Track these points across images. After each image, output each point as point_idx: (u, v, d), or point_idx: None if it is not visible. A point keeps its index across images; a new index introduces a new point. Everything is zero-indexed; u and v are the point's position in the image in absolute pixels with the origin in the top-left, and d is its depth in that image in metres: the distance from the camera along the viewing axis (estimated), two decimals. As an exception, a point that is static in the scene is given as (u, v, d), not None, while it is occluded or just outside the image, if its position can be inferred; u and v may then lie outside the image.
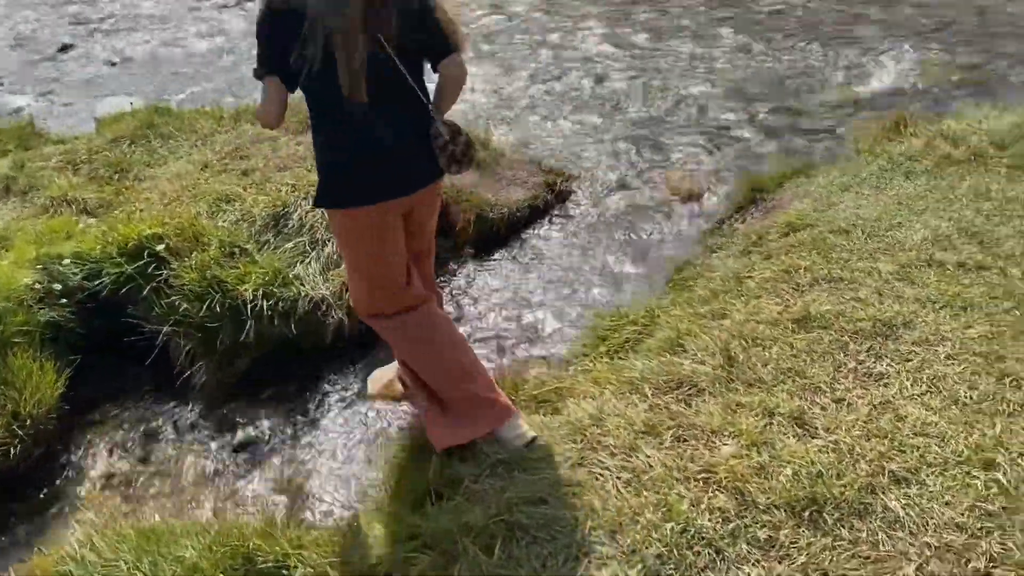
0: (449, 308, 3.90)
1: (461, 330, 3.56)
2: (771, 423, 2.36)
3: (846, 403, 2.40)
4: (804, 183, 3.85)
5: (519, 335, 3.64)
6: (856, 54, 5.90)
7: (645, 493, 2.22)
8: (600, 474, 2.31)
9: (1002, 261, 2.79)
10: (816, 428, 2.32)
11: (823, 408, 2.40)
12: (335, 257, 3.87)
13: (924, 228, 3.03)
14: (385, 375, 3.43)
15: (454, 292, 3.98)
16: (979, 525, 2.01)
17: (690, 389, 2.55)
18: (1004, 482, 2.09)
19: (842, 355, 2.55)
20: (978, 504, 2.05)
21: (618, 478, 2.28)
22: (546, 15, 7.74)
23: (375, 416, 3.27)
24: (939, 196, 3.24)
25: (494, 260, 4.21)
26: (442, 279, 4.06)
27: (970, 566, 1.93)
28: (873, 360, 2.52)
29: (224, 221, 4.04)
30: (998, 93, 4.89)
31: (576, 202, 4.61)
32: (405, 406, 3.31)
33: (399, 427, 3.13)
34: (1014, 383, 2.35)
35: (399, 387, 3.34)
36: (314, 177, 3.63)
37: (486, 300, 3.91)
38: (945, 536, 2.00)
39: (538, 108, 5.78)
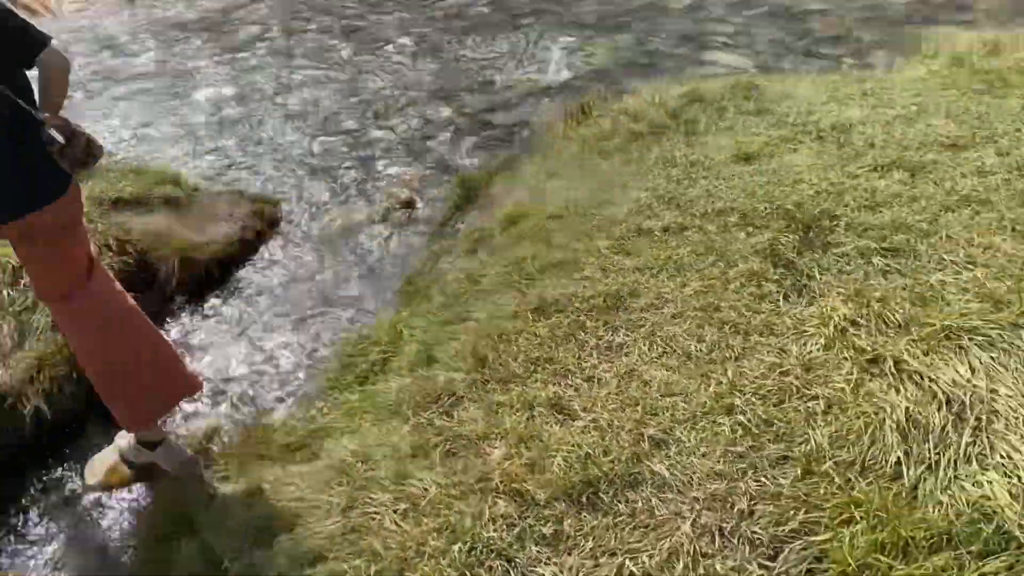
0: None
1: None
2: (533, 415, 2.36)
3: (596, 379, 2.46)
4: (513, 175, 3.94)
5: (255, 381, 3.36)
6: (529, 46, 6.19)
7: (425, 520, 2.11)
8: (375, 513, 2.17)
9: (699, 220, 3.03)
10: (575, 410, 2.35)
11: (576, 389, 2.44)
12: (12, 336, 3.33)
13: (628, 201, 3.22)
14: (106, 459, 3.00)
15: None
16: (734, 468, 2.14)
17: (449, 399, 2.48)
18: (746, 422, 2.24)
19: (582, 334, 2.62)
20: (729, 449, 2.18)
21: (395, 511, 2.15)
22: (207, 32, 7.29)
23: (101, 511, 2.84)
24: (634, 170, 3.46)
25: (211, 304, 3.86)
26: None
27: (735, 508, 2.05)
28: (611, 333, 2.61)
29: None
30: (661, 68, 5.37)
31: (290, 228, 4.37)
32: (140, 489, 2.92)
33: (136, 516, 2.74)
34: (732, 329, 2.55)
35: (125, 468, 2.94)
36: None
37: (211, 349, 3.57)
38: (709, 486, 2.10)
39: (223, 134, 5.42)
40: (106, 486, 2.93)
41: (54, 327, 3.29)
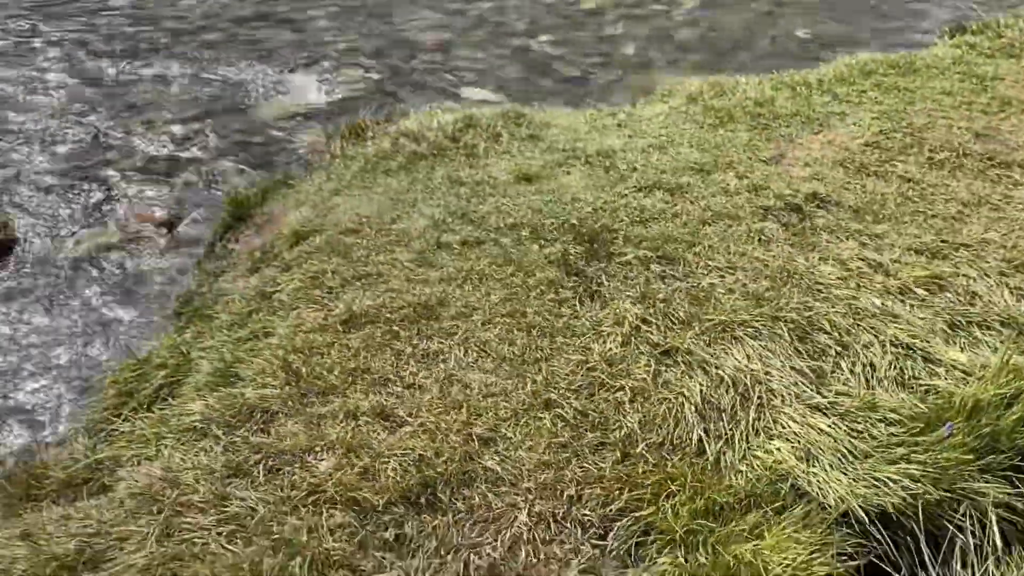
0: None
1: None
2: (359, 425, 2.31)
3: (417, 386, 2.46)
4: (289, 193, 3.83)
5: (8, 417, 2.94)
6: (276, 74, 6.04)
7: (256, 539, 1.98)
8: (196, 538, 1.99)
9: (493, 234, 3.14)
10: (401, 416, 2.34)
11: (399, 397, 2.42)
12: None
13: (421, 217, 3.26)
14: None
15: None
16: (559, 458, 2.25)
17: (263, 416, 2.35)
18: (564, 415, 2.37)
19: (397, 343, 2.61)
20: (552, 441, 2.29)
21: (219, 533, 2.00)
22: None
23: None
24: (422, 188, 3.51)
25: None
26: None
27: (565, 495, 2.16)
28: (425, 341, 2.63)
29: None
30: (416, 98, 5.50)
31: (30, 251, 3.88)
32: None
33: None
34: (539, 332, 2.67)
35: None
36: None
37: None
38: (539, 477, 2.19)
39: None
40: None
41: None
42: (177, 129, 5.10)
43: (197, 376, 2.60)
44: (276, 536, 1.98)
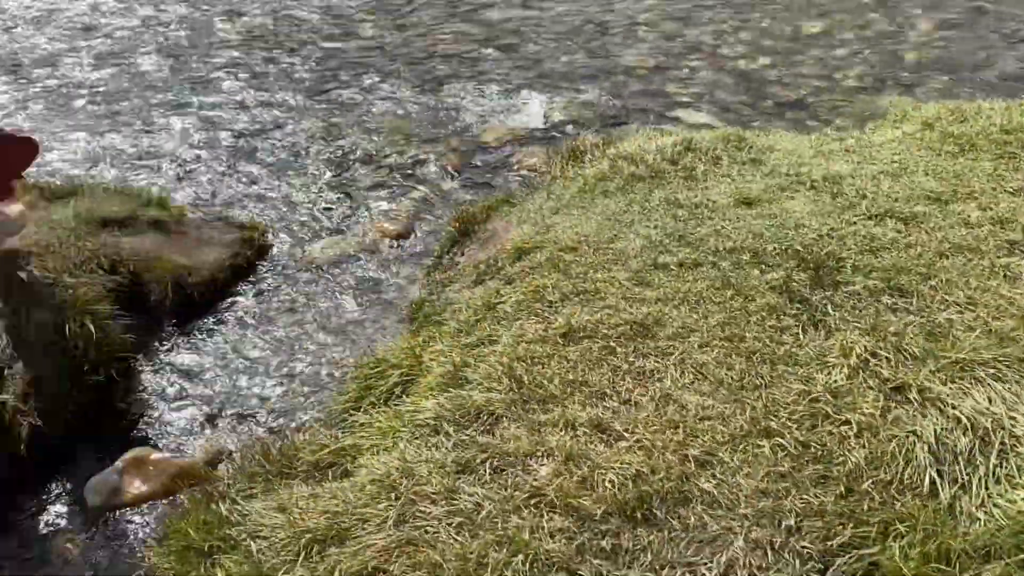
0: (169, 388, 3.43)
1: (189, 411, 3.19)
2: (576, 435, 2.39)
3: (633, 403, 2.52)
4: (511, 211, 4.02)
5: (259, 405, 3.31)
6: (501, 98, 6.34)
7: (482, 533, 2.11)
8: (428, 526, 2.16)
9: (712, 257, 3.15)
10: (617, 431, 2.40)
11: (615, 412, 2.49)
12: (7, 352, 3.19)
13: (638, 238, 3.33)
14: (108, 480, 2.89)
15: (169, 371, 3.50)
16: (778, 487, 2.22)
17: (488, 418, 2.50)
18: (784, 444, 2.33)
19: (613, 359, 2.68)
20: (771, 469, 2.27)
21: (449, 524, 2.15)
22: (168, 69, 7.21)
23: (110, 533, 2.72)
24: (639, 209, 3.58)
25: (204, 330, 3.78)
26: (150, 359, 3.56)
27: (783, 525, 2.12)
28: (641, 359, 2.68)
29: None
30: (633, 122, 5.59)
31: (280, 255, 4.34)
32: (144, 510, 2.82)
33: (150, 535, 2.64)
34: (759, 358, 2.65)
35: (131, 487, 2.84)
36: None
37: (209, 376, 3.51)
38: (756, 504, 2.18)
39: (206, 162, 5.35)
40: (111, 506, 2.82)
41: (46, 349, 3.19)
42: (410, 150, 5.48)
43: (429, 377, 2.79)
44: (500, 532, 2.11)
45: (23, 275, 3.37)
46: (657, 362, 2.68)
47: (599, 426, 2.43)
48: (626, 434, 2.40)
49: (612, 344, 2.75)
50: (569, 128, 5.58)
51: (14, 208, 3.61)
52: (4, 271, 3.39)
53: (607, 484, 2.22)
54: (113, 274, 3.71)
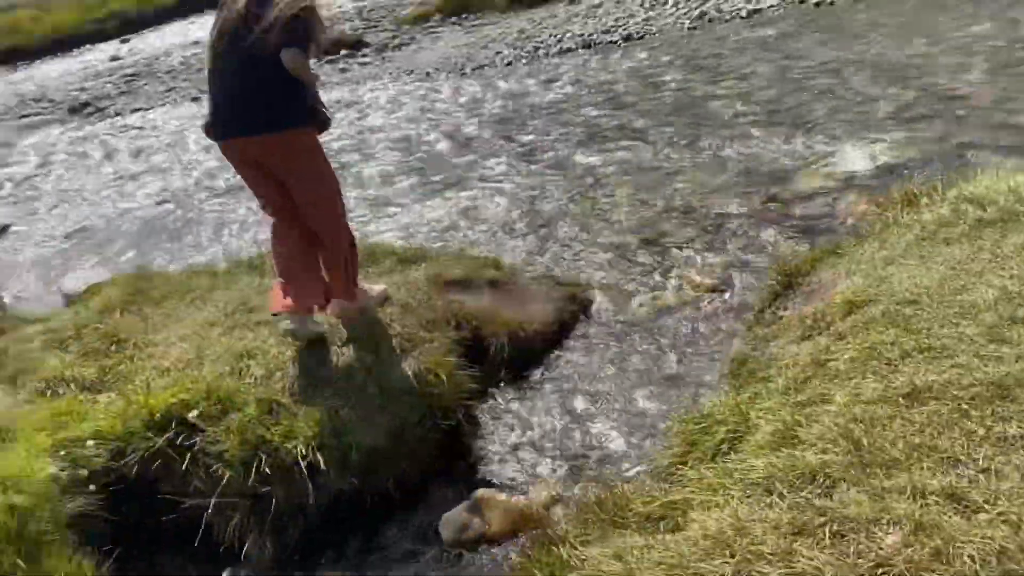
0: (508, 435, 3.75)
1: (524, 455, 3.44)
2: (926, 504, 2.23)
3: (993, 471, 2.29)
4: (839, 262, 3.86)
5: (588, 453, 3.48)
6: (818, 140, 6.11)
7: (824, 601, 2.04)
8: (767, 588, 2.13)
9: (1086, 310, 2.80)
10: (976, 502, 2.20)
11: (971, 481, 2.28)
12: (377, 399, 3.69)
13: (990, 288, 3.04)
14: (458, 517, 3.20)
15: (508, 418, 3.81)
16: None
17: (825, 480, 2.41)
18: None
19: (967, 423, 2.47)
20: None
21: (787, 588, 2.11)
22: (499, 124, 7.89)
23: (461, 566, 3.02)
24: (989, 257, 3.27)
25: (537, 381, 4.07)
26: (491, 407, 3.93)
27: None
28: (1001, 424, 2.44)
29: (251, 377, 3.83)
30: (978, 161, 5.09)
31: (601, 311, 4.55)
32: (490, 547, 3.08)
33: (496, 572, 2.88)
34: None
35: (478, 525, 3.12)
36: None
37: (541, 424, 3.76)
38: None
39: (531, 224, 5.79)
40: (460, 542, 3.12)
41: (407, 397, 3.64)
42: (722, 201, 5.49)
43: (757, 435, 2.76)
44: (844, 602, 2.02)
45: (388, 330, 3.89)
46: (1020, 427, 2.41)
47: (953, 496, 2.24)
48: (986, 506, 2.18)
49: (964, 406, 2.53)
50: (899, 171, 5.23)
51: (377, 287, 4.26)
52: (373, 330, 3.93)
53: (966, 559, 2.04)
54: (458, 329, 4.14)
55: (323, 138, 3.79)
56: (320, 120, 3.72)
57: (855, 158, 5.67)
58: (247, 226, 7.37)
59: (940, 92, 6.24)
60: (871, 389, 2.73)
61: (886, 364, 2.84)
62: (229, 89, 3.61)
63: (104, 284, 5.78)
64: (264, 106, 3.55)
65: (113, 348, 4.55)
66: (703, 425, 3.05)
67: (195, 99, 13.90)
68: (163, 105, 14.01)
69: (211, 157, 10.10)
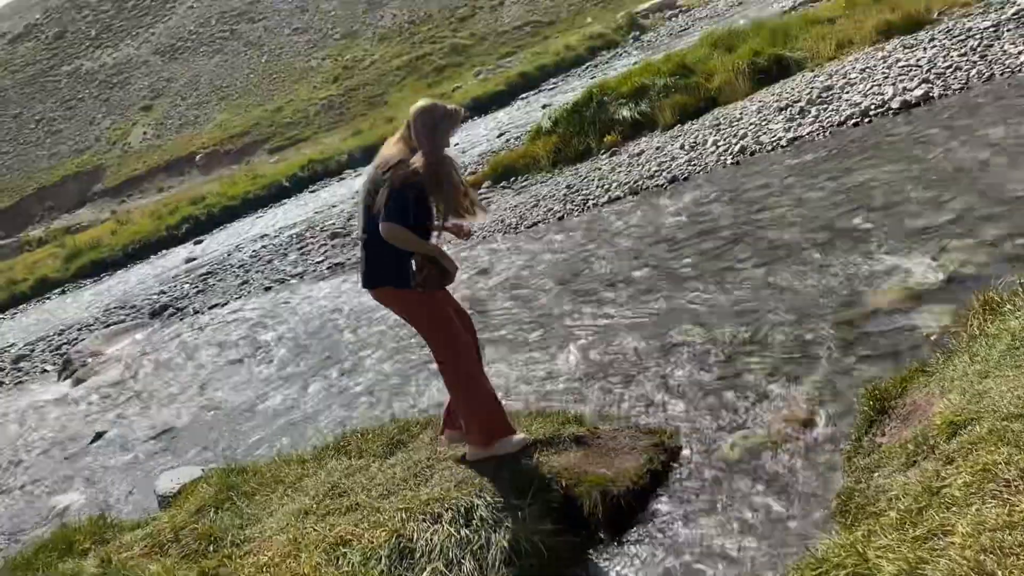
0: (614, 601, 3.61)
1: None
2: (1084, 640, 2.06)
3: None
4: (930, 381, 3.76)
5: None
6: (881, 256, 6.06)
7: None
8: None
9: None
10: None
11: None
12: (475, 574, 3.62)
13: (1099, 393, 2.92)
14: None
15: (610, 583, 3.69)
16: None
17: (967, 623, 2.26)
18: None
19: (1106, 543, 2.31)
20: None
21: None
22: (558, 276, 8.04)
23: None
24: (1091, 359, 3.16)
25: (634, 537, 3.95)
26: (590, 571, 3.80)
27: None
28: None
29: (348, 565, 3.81)
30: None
31: (692, 456, 4.45)
32: None
33: None
34: None
35: None
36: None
37: (646, 583, 3.61)
38: None
39: (606, 373, 5.80)
40: None
41: (508, 564, 3.56)
42: (795, 329, 5.43)
43: (881, 577, 2.62)
44: None
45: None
46: None
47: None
48: None
49: (1100, 525, 2.38)
50: (970, 279, 5.14)
51: (517, 437, 4.60)
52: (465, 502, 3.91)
53: None
54: (549, 492, 4.09)
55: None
56: (423, 279, 4.18)
57: (922, 270, 5.59)
58: (330, 411, 7.52)
59: (1000, 195, 6.20)
60: (994, 515, 2.59)
61: (1005, 485, 2.71)
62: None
63: (196, 482, 5.90)
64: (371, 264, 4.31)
65: (211, 548, 4.60)
66: (819, 571, 2.91)
67: (267, 288, 14.56)
68: (238, 298, 14.69)
69: (288, 344, 10.46)
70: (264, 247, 19.14)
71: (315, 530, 4.20)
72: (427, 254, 4.15)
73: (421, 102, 4.25)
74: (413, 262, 4.18)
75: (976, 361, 3.62)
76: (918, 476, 3.09)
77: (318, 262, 15.10)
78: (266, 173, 32.39)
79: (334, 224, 18.19)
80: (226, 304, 14.59)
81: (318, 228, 18.48)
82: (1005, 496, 2.65)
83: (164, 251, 26.55)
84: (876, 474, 3.43)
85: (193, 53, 47.83)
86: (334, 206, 21.34)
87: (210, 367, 10.88)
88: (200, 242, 25.15)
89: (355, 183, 25.91)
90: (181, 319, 14.81)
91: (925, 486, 2.97)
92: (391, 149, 4.20)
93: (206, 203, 29.49)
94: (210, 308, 14.69)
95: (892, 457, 3.46)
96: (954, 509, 2.75)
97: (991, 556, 2.42)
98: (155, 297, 17.67)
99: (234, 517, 4.87)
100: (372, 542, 3.91)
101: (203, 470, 6.25)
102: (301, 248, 17.10)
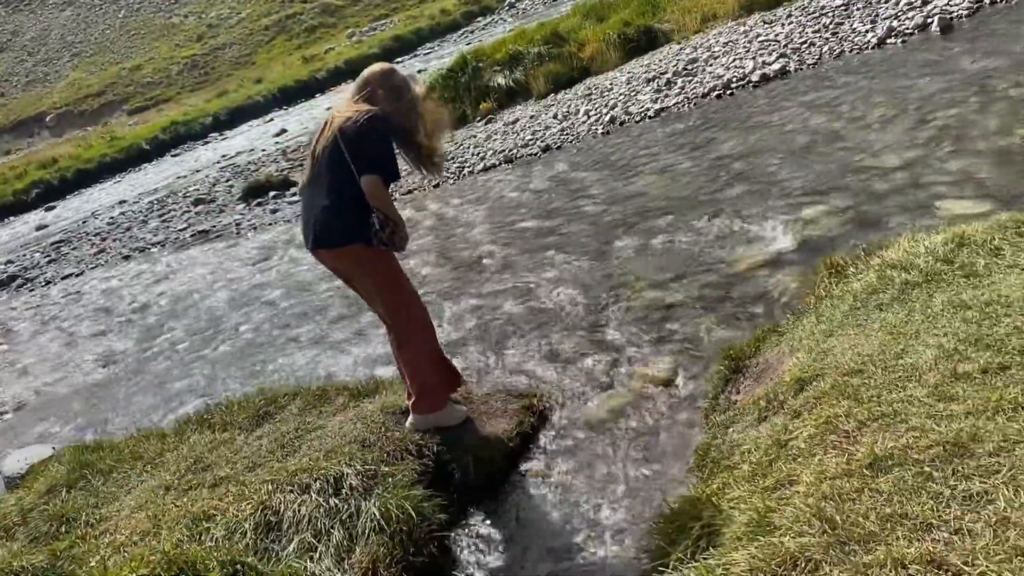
0: (484, 559, 3.65)
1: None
2: (909, 574, 2.24)
3: (966, 531, 2.32)
4: (781, 340, 3.96)
5: (569, 565, 3.40)
6: (742, 223, 6.34)
7: None
8: None
9: (1019, 357, 2.91)
10: (955, 564, 2.21)
11: (947, 544, 2.30)
12: (345, 543, 3.58)
13: (928, 348, 3.15)
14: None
15: (481, 543, 3.72)
16: None
17: (807, 564, 2.40)
18: None
19: (932, 485, 2.50)
20: None
21: None
22: (432, 247, 8.02)
23: None
24: (921, 318, 3.40)
25: (506, 498, 4.01)
26: (464, 532, 3.83)
27: None
28: (964, 482, 2.48)
29: (212, 540, 3.69)
30: (891, 224, 5.34)
31: (560, 417, 4.55)
32: None
33: None
34: (1107, 461, 2.37)
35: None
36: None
37: (516, 544, 3.68)
38: None
39: (476, 340, 5.82)
40: None
41: (377, 536, 3.54)
42: (660, 294, 5.62)
43: (733, 526, 2.75)
44: None
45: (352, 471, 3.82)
46: (983, 483, 2.46)
47: (932, 561, 2.25)
48: (966, 567, 2.20)
49: (927, 469, 2.58)
50: (822, 244, 5.45)
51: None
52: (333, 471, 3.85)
53: (956, 627, 2.04)
54: (420, 458, 4.09)
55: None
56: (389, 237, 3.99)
57: (779, 236, 5.88)
58: (193, 383, 7.24)
59: (848, 164, 6.58)
60: (835, 464, 2.77)
61: (844, 437, 2.89)
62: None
63: (47, 461, 5.57)
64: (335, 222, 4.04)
65: (63, 530, 4.36)
66: (678, 523, 3.03)
67: (126, 258, 13.81)
68: (94, 268, 13.87)
69: (144, 318, 9.98)
70: (123, 214, 18.14)
71: (176, 506, 4.04)
72: (394, 217, 4.00)
73: (378, 65, 4.20)
74: (375, 220, 3.94)
75: (822, 321, 3.84)
76: (768, 430, 3.26)
77: (181, 230, 14.43)
78: (125, 135, 30.62)
79: (198, 190, 17.41)
80: (81, 274, 13.76)
81: (181, 194, 17.65)
82: (844, 446, 2.83)
83: (11, 218, 24.74)
84: (731, 429, 3.60)
85: (42, 4, 44.35)
86: (198, 171, 20.42)
87: (63, 340, 10.25)
88: (52, 208, 23.58)
89: (221, 146, 24.83)
90: (31, 290, 13.86)
91: (774, 439, 3.14)
92: (352, 107, 3.99)
93: (58, 167, 27.64)
94: (63, 278, 13.81)
95: (746, 413, 3.63)
96: (799, 460, 2.91)
97: (831, 503, 2.58)
98: (1, 267, 16.45)
99: (88, 496, 4.62)
100: (237, 515, 3.79)
101: (54, 448, 5.90)
102: (163, 215, 16.29)
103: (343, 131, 3.90)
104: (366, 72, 4.15)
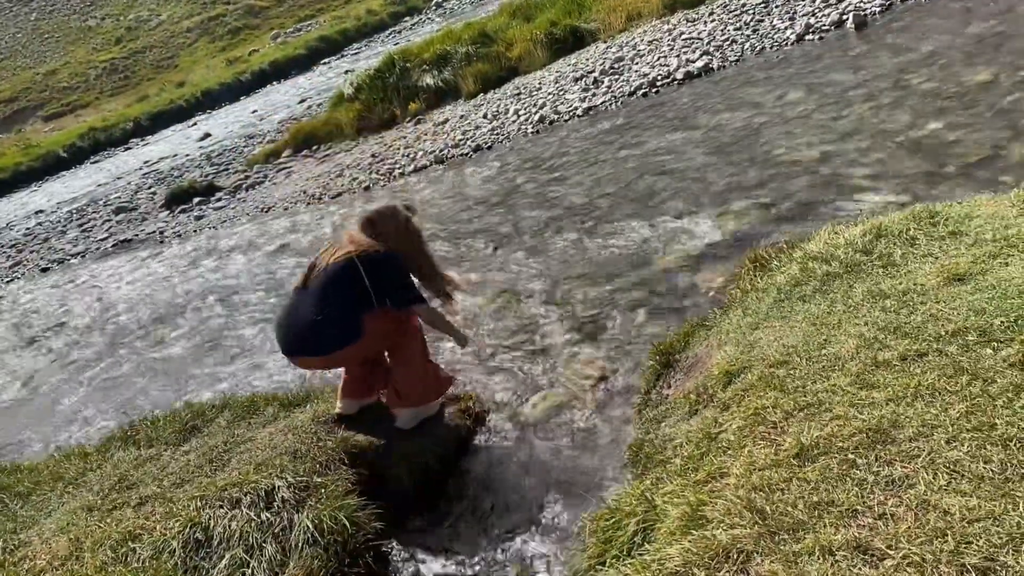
0: (422, 567, 3.61)
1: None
2: (836, 560, 2.28)
3: (890, 516, 2.38)
4: (709, 334, 4.02)
5: (510, 568, 3.39)
6: (668, 219, 6.42)
7: None
8: None
9: (935, 344, 3.00)
10: (880, 549, 2.27)
11: (872, 528, 2.36)
12: (278, 557, 3.49)
13: (850, 338, 3.23)
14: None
15: (419, 551, 3.68)
16: (1082, 587, 2.00)
17: (739, 556, 2.43)
18: (1075, 537, 2.11)
19: (856, 472, 2.57)
20: (1068, 567, 2.05)
21: (724, 677, 2.08)
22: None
23: None
24: (843, 308, 3.49)
25: (444, 504, 3.98)
26: (402, 541, 3.78)
27: (1100, 630, 1.90)
28: (886, 467, 2.55)
29: (138, 561, 3.56)
30: (811, 217, 5.48)
31: (496, 420, 4.53)
32: None
33: None
34: (1018, 444, 2.45)
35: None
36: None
37: (454, 548, 3.65)
38: (1059, 609, 1.97)
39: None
40: None
41: (311, 549, 3.47)
42: (591, 292, 5.65)
43: (667, 521, 2.78)
44: None
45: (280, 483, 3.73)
46: (904, 467, 2.53)
47: (858, 547, 2.31)
48: (890, 551, 2.26)
49: (851, 456, 2.64)
50: (748, 238, 5.55)
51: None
52: (264, 484, 3.75)
53: (882, 610, 2.09)
54: (354, 467, 4.02)
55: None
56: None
57: (705, 231, 5.98)
58: (116, 398, 6.99)
59: (770, 159, 6.73)
60: (763, 455, 2.81)
61: (772, 428, 2.94)
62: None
63: (-40, 487, 5.31)
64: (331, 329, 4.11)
65: (-23, 556, 4.15)
66: (613, 520, 3.04)
67: (44, 270, 13.30)
68: (9, 282, 13.32)
69: (65, 332, 9.62)
70: (40, 224, 17.46)
71: (100, 527, 3.89)
72: (456, 335, 4.46)
73: (381, 204, 4.38)
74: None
75: (748, 314, 3.91)
76: (699, 424, 3.30)
77: (102, 239, 13.96)
78: (40, 143, 29.51)
79: (120, 198, 16.87)
80: (-6, 288, 13.18)
81: (101, 203, 17.07)
82: (772, 437, 2.88)
83: (-83, 231, 23.52)
84: (663, 424, 3.64)
85: (-56, 7, 42.44)
86: (120, 178, 19.79)
87: (-23, 358, 9.80)
88: (-38, 220, 22.50)
89: (143, 152, 24.11)
90: (-59, 306, 13.21)
91: (705, 433, 3.17)
92: (354, 239, 4.12)
93: (-33, 176, 26.49)
94: (-25, 292, 13.21)
95: (677, 407, 3.67)
96: (730, 452, 2.95)
97: (760, 494, 2.62)
98: (-93, 283, 15.65)
99: (6, 521, 4.42)
100: (164, 534, 3.67)
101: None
102: (82, 225, 15.73)
103: (367, 260, 4.02)
104: (371, 209, 4.31)
